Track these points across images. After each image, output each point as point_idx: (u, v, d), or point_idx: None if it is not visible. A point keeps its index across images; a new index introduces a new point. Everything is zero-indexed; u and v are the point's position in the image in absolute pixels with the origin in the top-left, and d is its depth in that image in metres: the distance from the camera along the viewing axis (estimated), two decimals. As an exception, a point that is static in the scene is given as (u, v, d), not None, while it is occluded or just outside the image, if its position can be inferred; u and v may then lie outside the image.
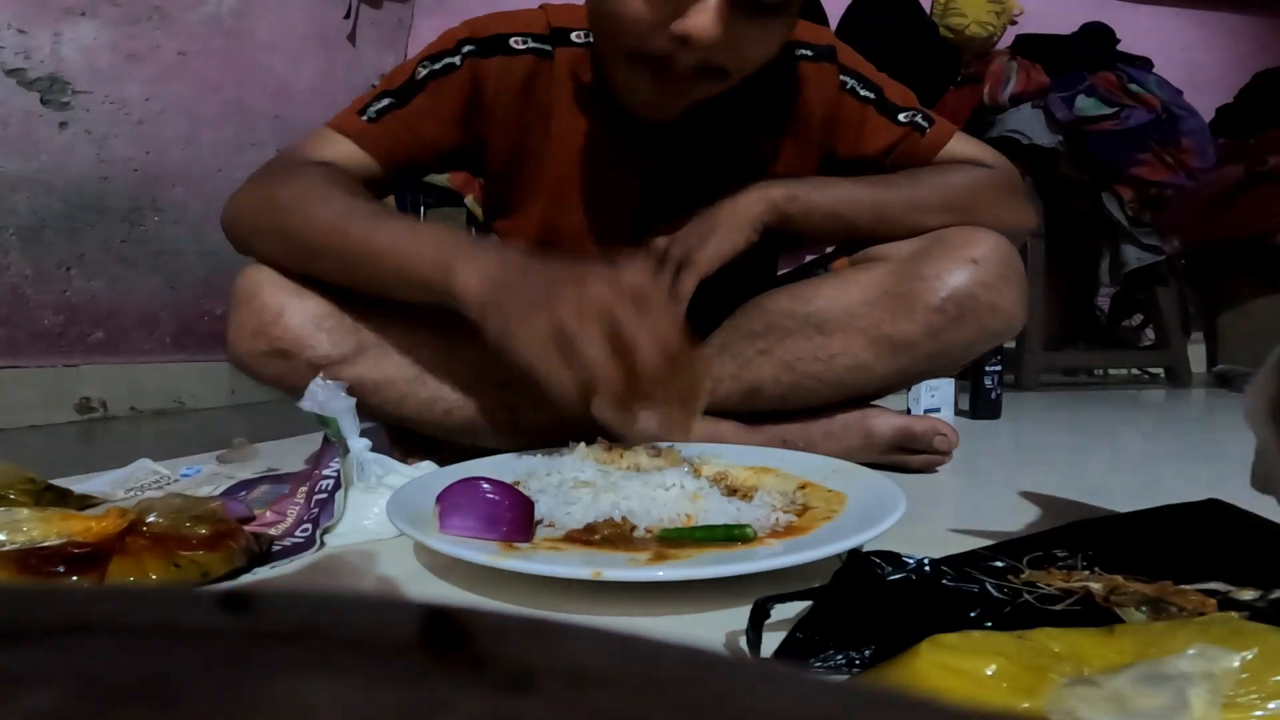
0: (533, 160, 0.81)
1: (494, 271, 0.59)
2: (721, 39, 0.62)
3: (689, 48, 0.63)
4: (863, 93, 0.82)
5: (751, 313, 0.82)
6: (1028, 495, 0.75)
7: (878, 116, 0.82)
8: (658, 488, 0.55)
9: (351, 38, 2.26)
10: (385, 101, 0.77)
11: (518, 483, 0.61)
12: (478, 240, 0.65)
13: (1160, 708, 0.24)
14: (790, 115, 0.82)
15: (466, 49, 0.77)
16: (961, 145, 0.84)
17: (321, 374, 0.70)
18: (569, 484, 0.57)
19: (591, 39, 0.77)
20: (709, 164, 0.81)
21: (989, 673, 0.27)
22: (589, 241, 0.82)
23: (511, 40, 0.77)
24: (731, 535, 0.50)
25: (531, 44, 0.78)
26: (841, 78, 0.82)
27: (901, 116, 0.82)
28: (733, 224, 0.76)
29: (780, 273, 0.95)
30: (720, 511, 0.53)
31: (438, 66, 0.77)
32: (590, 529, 0.51)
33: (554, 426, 0.77)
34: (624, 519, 0.52)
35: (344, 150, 0.76)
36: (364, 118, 0.77)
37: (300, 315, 0.72)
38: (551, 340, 0.52)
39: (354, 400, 0.63)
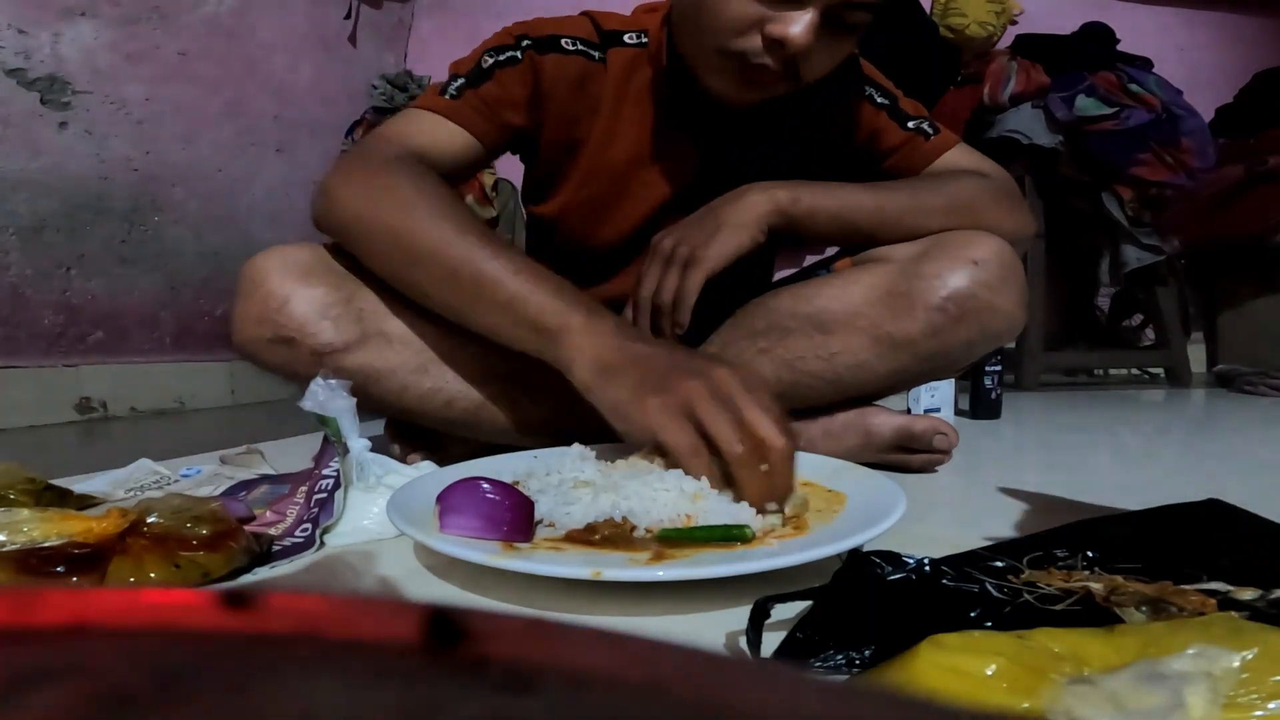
0: (582, 151, 0.84)
1: (608, 354, 0.60)
2: (814, 47, 0.68)
3: (780, 50, 0.68)
4: (879, 99, 0.87)
5: (753, 311, 0.82)
6: (1028, 495, 0.75)
7: (889, 120, 0.86)
8: (658, 488, 0.55)
9: (351, 38, 2.26)
10: (460, 82, 0.79)
11: (517, 482, 0.61)
12: (593, 306, 0.64)
13: (1157, 707, 0.24)
14: (829, 129, 0.88)
15: (525, 43, 0.80)
16: (962, 155, 0.87)
17: (324, 362, 0.71)
18: (569, 484, 0.57)
19: (644, 40, 0.82)
20: (749, 167, 0.84)
21: (989, 673, 0.27)
22: (628, 228, 0.86)
23: (563, 41, 0.81)
24: (730, 535, 0.50)
25: (581, 46, 0.82)
26: (865, 88, 0.87)
27: (910, 124, 0.86)
28: (739, 223, 0.77)
29: (783, 274, 0.95)
30: (720, 511, 0.53)
31: (502, 57, 0.79)
32: (590, 529, 0.51)
33: (555, 421, 0.77)
34: (624, 519, 0.52)
35: (439, 129, 0.77)
36: (446, 97, 0.78)
37: (305, 303, 0.72)
38: (679, 411, 0.55)
39: (354, 400, 0.63)
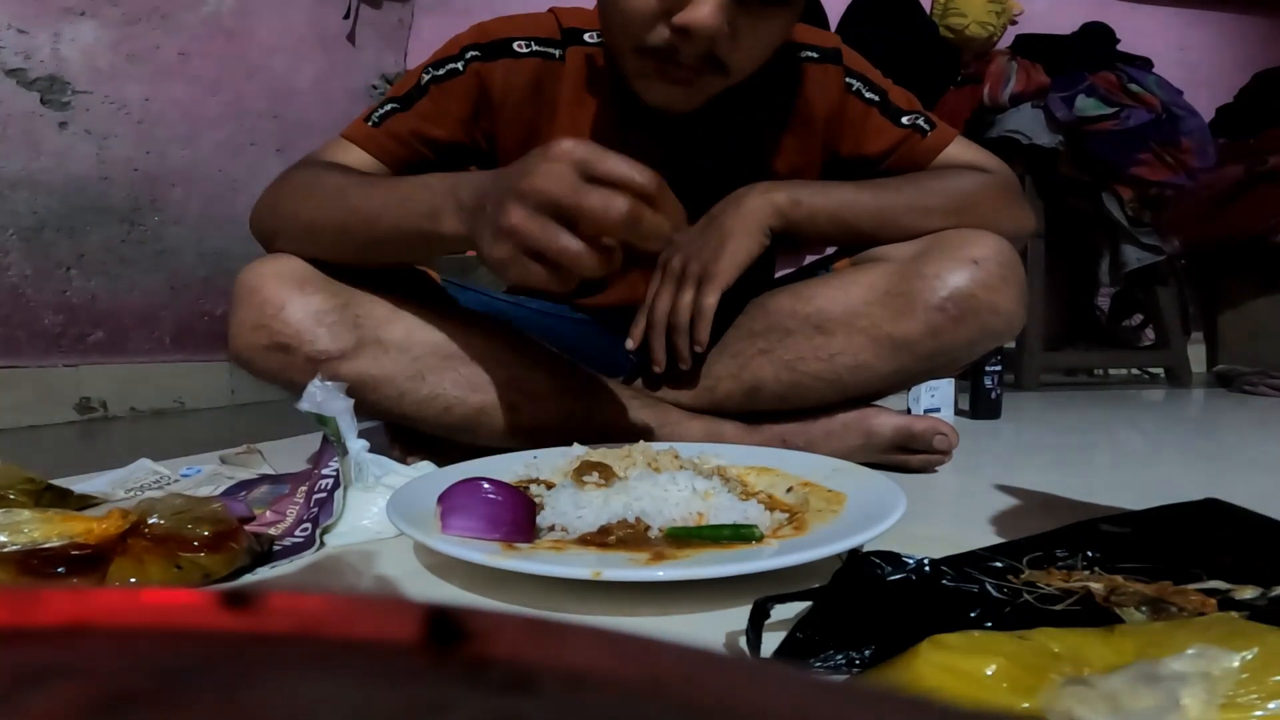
0: None
1: (468, 201, 0.60)
2: (722, 31, 0.65)
3: (690, 39, 0.66)
4: (867, 95, 0.84)
5: (752, 312, 0.82)
6: (1028, 495, 0.75)
7: (881, 118, 0.84)
8: (669, 487, 0.55)
9: (351, 38, 2.26)
10: (389, 107, 0.80)
11: (524, 485, 0.61)
12: (465, 175, 0.63)
13: (1153, 708, 0.24)
14: (795, 115, 0.85)
15: (470, 54, 0.80)
16: (961, 150, 0.85)
17: (320, 369, 0.70)
18: (575, 487, 0.57)
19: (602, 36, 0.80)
20: (714, 161, 0.83)
21: (989, 673, 0.27)
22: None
23: (515, 44, 0.80)
24: (739, 535, 0.50)
25: (535, 47, 0.81)
26: (847, 80, 0.85)
27: (905, 119, 0.84)
28: (743, 230, 0.77)
29: (783, 274, 0.95)
30: (732, 510, 0.53)
31: (441, 72, 0.80)
32: (604, 531, 0.51)
33: (554, 425, 0.77)
34: (638, 519, 0.52)
35: (353, 156, 0.79)
36: (369, 123, 0.80)
37: (301, 310, 0.72)
38: (516, 251, 0.54)
39: (352, 401, 0.63)
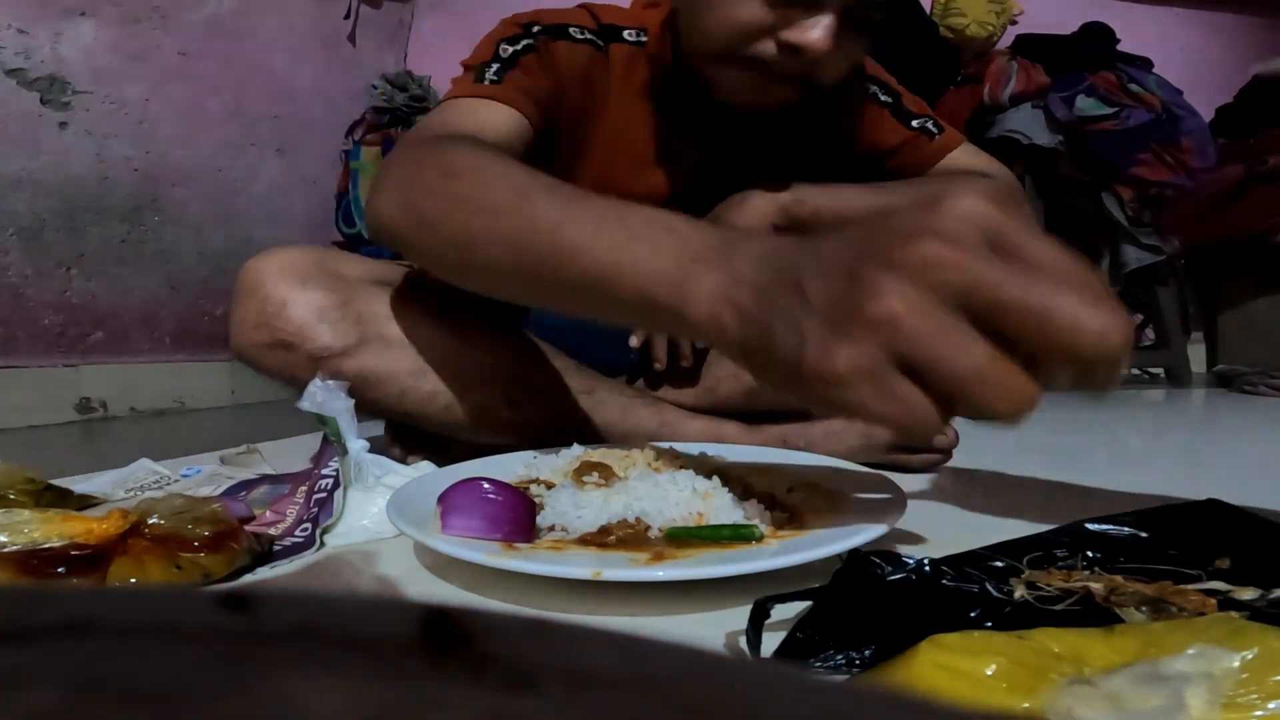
0: (583, 147, 0.81)
1: (748, 277, 0.37)
2: (830, 52, 0.65)
3: (797, 57, 0.65)
4: (883, 97, 0.86)
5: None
6: (1028, 495, 0.75)
7: (891, 119, 0.86)
8: (669, 487, 0.55)
9: (351, 38, 2.26)
10: (495, 67, 0.72)
11: (524, 485, 0.61)
12: (717, 234, 0.42)
13: (1157, 708, 0.24)
14: (834, 128, 0.86)
15: (536, 29, 0.76)
16: (966, 155, 0.86)
17: (322, 366, 0.71)
18: (575, 487, 0.57)
19: (643, 39, 0.80)
20: (750, 164, 0.83)
21: (989, 673, 0.27)
22: None
23: (570, 29, 0.78)
24: (739, 534, 0.50)
25: (588, 35, 0.79)
26: (869, 86, 0.86)
27: (914, 122, 0.86)
28: (744, 225, 0.77)
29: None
30: (732, 509, 0.53)
31: (520, 46, 0.74)
32: (605, 530, 0.51)
33: (554, 425, 0.77)
34: (638, 519, 0.52)
35: (487, 113, 0.68)
36: (485, 83, 0.71)
37: (303, 307, 0.72)
38: (881, 359, 0.31)
39: (352, 401, 0.63)
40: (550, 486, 0.61)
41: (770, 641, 0.37)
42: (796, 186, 0.79)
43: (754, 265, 0.38)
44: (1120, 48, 1.98)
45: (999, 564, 0.42)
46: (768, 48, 0.67)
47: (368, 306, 0.74)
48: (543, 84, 0.73)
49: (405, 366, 0.75)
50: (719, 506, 0.54)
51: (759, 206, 0.77)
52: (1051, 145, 1.86)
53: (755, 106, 0.75)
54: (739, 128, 0.82)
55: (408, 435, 0.84)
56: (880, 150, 0.86)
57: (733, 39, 0.68)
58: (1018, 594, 0.38)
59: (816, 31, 0.63)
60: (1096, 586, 0.38)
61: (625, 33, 0.81)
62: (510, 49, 0.74)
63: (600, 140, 0.81)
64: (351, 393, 0.63)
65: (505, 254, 0.49)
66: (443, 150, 0.58)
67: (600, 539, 0.51)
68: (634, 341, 0.81)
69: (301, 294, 0.72)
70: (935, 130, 0.85)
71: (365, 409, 0.72)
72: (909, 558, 0.39)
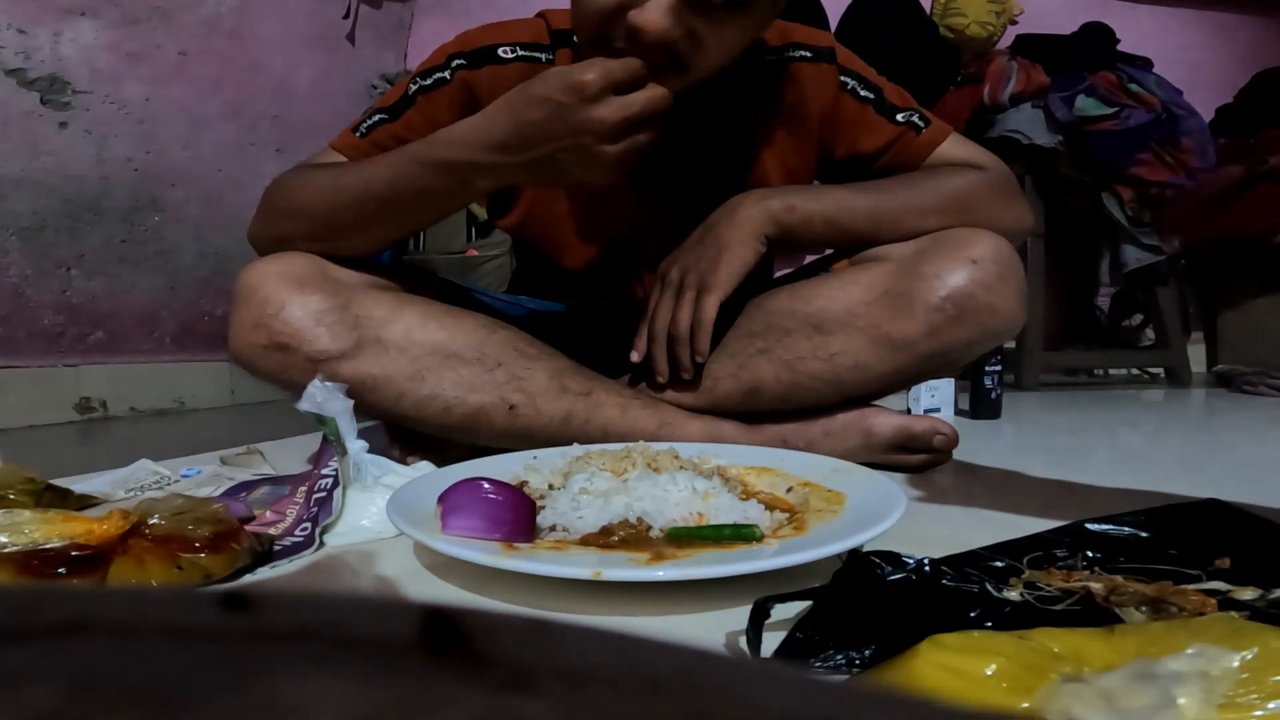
0: None
1: (506, 160, 0.68)
2: (673, 33, 0.65)
3: (641, 39, 0.65)
4: (862, 93, 0.84)
5: (751, 313, 0.82)
6: (1028, 495, 0.75)
7: (876, 116, 0.84)
8: (669, 487, 0.55)
9: (351, 38, 2.26)
10: (377, 118, 0.82)
11: (524, 484, 0.61)
12: (458, 138, 0.70)
13: (1148, 706, 0.24)
14: (790, 114, 0.85)
15: (456, 63, 0.81)
16: (956, 147, 0.85)
17: (320, 369, 0.71)
18: (576, 490, 0.57)
19: None
20: (706, 159, 0.84)
21: (989, 673, 0.27)
22: (575, 231, 0.87)
23: (499, 50, 0.82)
24: (739, 534, 0.50)
25: (521, 52, 0.82)
26: (841, 78, 0.85)
27: (899, 116, 0.84)
28: (739, 239, 0.77)
29: (781, 273, 0.95)
30: (732, 510, 0.53)
31: (428, 82, 0.81)
32: (606, 531, 0.51)
33: (554, 425, 0.77)
34: (639, 519, 0.52)
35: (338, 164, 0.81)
36: (356, 134, 0.82)
37: (301, 310, 0.73)
38: (624, 142, 0.66)
39: (351, 402, 0.63)
40: (552, 487, 0.61)
41: (770, 641, 0.37)
42: (785, 192, 0.79)
43: (496, 153, 0.68)
44: (1120, 48, 1.97)
45: (999, 564, 0.42)
46: (620, 33, 0.67)
47: (365, 310, 0.75)
48: (440, 118, 0.78)
49: (403, 369, 0.75)
50: (719, 506, 0.54)
51: (751, 218, 0.77)
52: (1051, 145, 1.85)
53: None
54: (682, 125, 0.78)
55: (407, 436, 0.84)
56: (866, 153, 0.85)
57: (592, 24, 0.68)
58: (1013, 594, 0.38)
59: (653, 12, 0.64)
60: (1096, 586, 0.38)
61: (575, 36, 0.81)
62: (417, 86, 0.81)
63: None
64: (349, 395, 0.63)
65: (349, 207, 0.74)
66: (291, 176, 0.79)
67: (601, 539, 0.51)
68: (635, 357, 0.82)
69: (300, 297, 0.73)
70: (922, 124, 0.84)
71: (363, 412, 0.73)
72: (909, 558, 0.39)
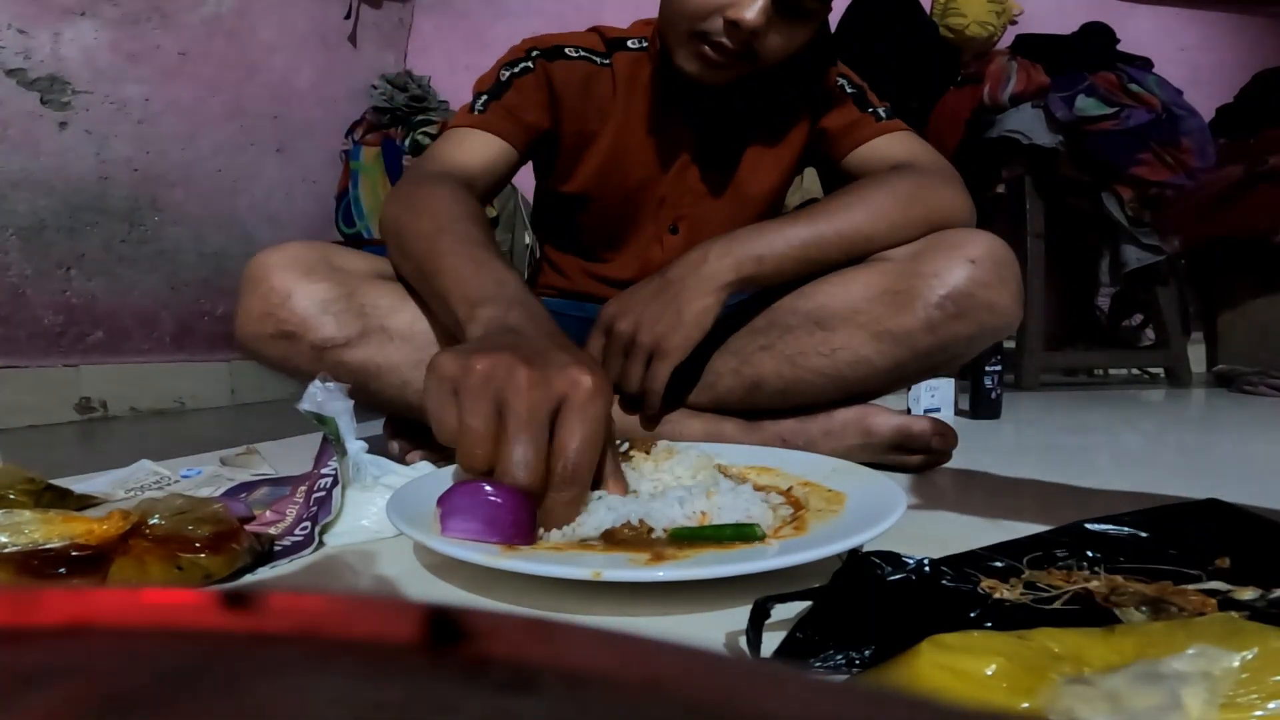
0: (596, 139, 0.91)
1: (481, 332, 0.59)
2: (761, 27, 0.76)
3: (737, 30, 0.76)
4: (849, 89, 0.92)
5: (753, 309, 0.83)
6: (1028, 495, 0.75)
7: (852, 106, 0.92)
8: (670, 487, 0.55)
9: (352, 38, 2.26)
10: (484, 99, 0.87)
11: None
12: (508, 292, 0.63)
13: (1154, 707, 0.24)
14: (802, 117, 0.94)
15: (535, 53, 0.90)
16: (894, 143, 0.90)
17: (325, 357, 0.72)
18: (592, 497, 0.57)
19: (645, 44, 0.92)
20: (736, 140, 0.93)
21: (989, 673, 0.27)
22: (639, 194, 0.93)
23: (566, 50, 0.91)
24: (740, 534, 0.50)
25: (584, 53, 0.91)
26: (836, 77, 0.93)
27: (869, 109, 0.92)
28: (700, 296, 0.76)
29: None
30: (734, 509, 0.53)
31: (516, 70, 0.88)
32: (609, 534, 0.51)
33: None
34: (641, 521, 0.52)
35: (473, 141, 0.85)
36: (475, 113, 0.87)
37: (307, 298, 0.75)
38: (449, 392, 0.51)
39: (352, 402, 0.63)
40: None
41: (770, 641, 0.37)
42: (750, 239, 0.78)
43: (492, 323, 0.59)
44: (1120, 48, 1.98)
45: (999, 564, 0.42)
46: (715, 24, 0.77)
47: (371, 299, 0.77)
48: (535, 98, 0.88)
49: (407, 358, 0.76)
50: (722, 505, 0.54)
51: (717, 275, 0.76)
52: (1051, 145, 1.85)
53: (712, 79, 0.82)
54: (717, 108, 0.90)
55: (407, 431, 0.84)
56: (833, 127, 0.92)
57: (691, 18, 0.78)
58: (998, 594, 0.38)
59: (752, 11, 0.75)
60: (1096, 586, 0.38)
61: (629, 42, 0.93)
62: (509, 72, 0.88)
63: (607, 132, 0.91)
64: (353, 384, 0.64)
65: (414, 265, 0.74)
66: (419, 188, 0.78)
67: (602, 540, 0.51)
68: None
69: (306, 285, 0.75)
70: (884, 116, 0.91)
71: (367, 400, 0.75)
72: (909, 558, 0.39)
